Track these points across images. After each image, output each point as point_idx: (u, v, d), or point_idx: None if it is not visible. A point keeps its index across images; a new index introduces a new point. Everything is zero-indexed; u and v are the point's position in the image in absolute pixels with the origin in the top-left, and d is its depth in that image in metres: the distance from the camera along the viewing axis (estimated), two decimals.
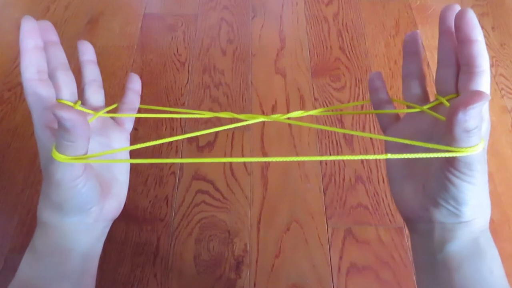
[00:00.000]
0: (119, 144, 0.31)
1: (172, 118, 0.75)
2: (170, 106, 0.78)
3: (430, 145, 0.24)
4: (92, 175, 0.27)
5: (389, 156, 0.24)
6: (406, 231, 0.63)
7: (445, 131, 0.23)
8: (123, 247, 0.61)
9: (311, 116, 0.74)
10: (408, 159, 0.26)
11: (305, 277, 0.59)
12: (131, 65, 0.84)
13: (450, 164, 0.24)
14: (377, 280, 0.59)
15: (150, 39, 0.89)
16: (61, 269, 0.28)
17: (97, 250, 0.30)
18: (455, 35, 0.27)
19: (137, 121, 0.75)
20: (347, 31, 0.91)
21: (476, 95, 0.21)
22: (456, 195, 0.24)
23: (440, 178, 0.25)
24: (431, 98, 0.29)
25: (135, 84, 0.34)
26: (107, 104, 0.33)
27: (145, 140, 0.72)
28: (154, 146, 0.72)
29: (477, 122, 0.22)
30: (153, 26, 0.92)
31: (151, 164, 0.70)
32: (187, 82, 0.82)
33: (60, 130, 0.23)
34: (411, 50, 0.30)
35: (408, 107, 0.30)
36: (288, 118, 0.30)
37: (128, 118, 0.33)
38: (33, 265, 0.28)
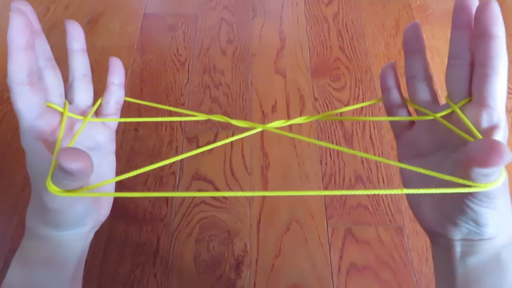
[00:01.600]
0: (106, 145, 0.29)
1: None
2: (169, 106, 0.78)
3: (446, 177, 0.21)
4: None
5: (405, 191, 0.22)
6: (406, 231, 0.63)
7: (459, 165, 0.21)
8: (123, 247, 0.61)
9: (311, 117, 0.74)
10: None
11: (305, 277, 0.59)
12: (131, 65, 0.84)
13: (468, 192, 0.22)
14: (377, 280, 0.59)
15: (150, 39, 0.89)
16: (56, 278, 0.27)
17: (86, 252, 0.29)
18: (470, 30, 0.24)
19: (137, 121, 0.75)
20: (347, 31, 0.91)
21: (494, 157, 0.18)
22: (475, 218, 0.23)
23: (457, 202, 0.23)
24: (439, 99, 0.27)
25: (117, 77, 0.30)
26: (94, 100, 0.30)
27: (145, 139, 0.72)
28: (154, 146, 0.72)
29: (497, 169, 0.19)
30: (153, 26, 0.92)
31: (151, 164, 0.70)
32: (187, 82, 0.82)
33: (62, 173, 0.20)
34: (413, 47, 0.27)
35: (419, 112, 0.27)
36: (289, 127, 0.30)
37: (113, 114, 0.30)
38: (24, 276, 0.26)
